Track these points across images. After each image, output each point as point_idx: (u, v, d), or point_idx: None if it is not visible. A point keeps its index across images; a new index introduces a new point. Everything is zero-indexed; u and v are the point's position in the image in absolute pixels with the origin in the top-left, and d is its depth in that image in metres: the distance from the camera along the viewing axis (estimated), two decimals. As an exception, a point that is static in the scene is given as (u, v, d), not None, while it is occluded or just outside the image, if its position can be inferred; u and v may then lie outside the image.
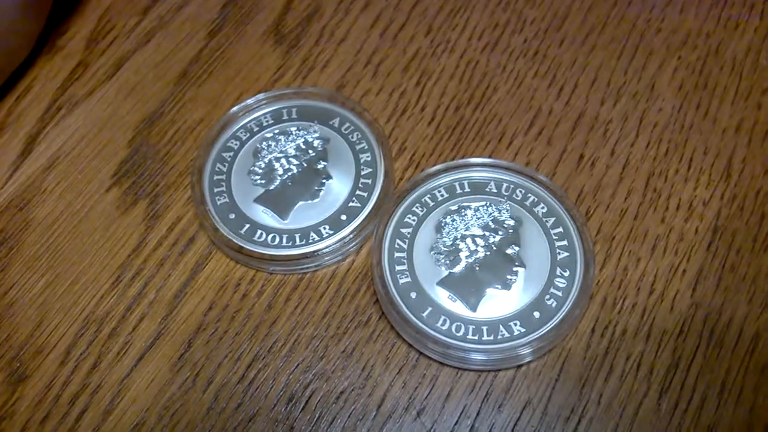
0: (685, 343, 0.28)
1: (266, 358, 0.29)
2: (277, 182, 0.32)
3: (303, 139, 0.33)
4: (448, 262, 0.30)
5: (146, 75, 0.36)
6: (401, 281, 0.29)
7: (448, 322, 0.28)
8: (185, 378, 0.29)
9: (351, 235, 0.30)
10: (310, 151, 0.32)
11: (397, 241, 0.30)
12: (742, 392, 0.28)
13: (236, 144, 0.33)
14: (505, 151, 0.33)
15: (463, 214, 0.30)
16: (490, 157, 0.32)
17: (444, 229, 0.30)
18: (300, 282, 0.30)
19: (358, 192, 0.31)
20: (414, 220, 0.31)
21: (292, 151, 0.32)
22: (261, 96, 0.34)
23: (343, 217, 0.31)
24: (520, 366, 0.28)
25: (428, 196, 0.31)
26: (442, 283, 0.29)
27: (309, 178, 0.32)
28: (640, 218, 0.31)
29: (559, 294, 0.29)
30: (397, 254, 0.30)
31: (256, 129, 0.33)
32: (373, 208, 0.31)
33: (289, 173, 0.32)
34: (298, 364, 0.29)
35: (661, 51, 0.35)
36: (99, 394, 0.28)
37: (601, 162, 0.32)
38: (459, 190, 0.31)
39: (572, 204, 0.30)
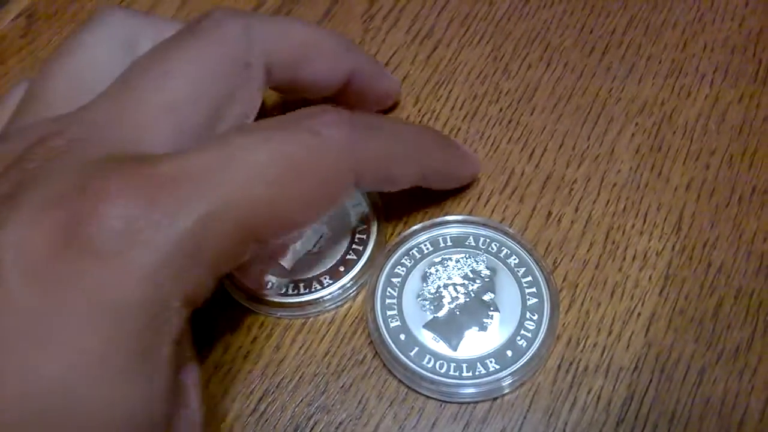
0: (639, 378, 0.33)
1: (275, 393, 0.33)
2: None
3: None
4: (432, 307, 0.34)
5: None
6: (392, 324, 0.34)
7: (432, 360, 0.33)
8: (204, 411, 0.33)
9: (349, 284, 0.35)
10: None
11: (388, 289, 0.35)
12: (689, 421, 0.32)
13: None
14: (482, 209, 0.37)
15: (445, 265, 0.35)
16: (468, 214, 0.37)
17: (429, 278, 0.35)
18: (304, 326, 0.35)
19: (354, 246, 0.36)
20: (403, 271, 0.35)
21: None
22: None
23: (341, 269, 0.35)
24: (495, 398, 0.32)
25: (415, 249, 0.35)
26: (428, 325, 0.34)
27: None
28: (601, 267, 0.35)
29: (529, 335, 0.33)
30: (388, 300, 0.34)
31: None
32: (367, 260, 0.35)
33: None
34: (302, 399, 0.33)
35: (621, 118, 0.40)
36: (130, 425, 0.33)
37: (567, 218, 0.37)
38: (442, 244, 0.35)
39: (540, 256, 0.35)
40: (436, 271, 0.35)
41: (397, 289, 0.35)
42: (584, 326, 0.34)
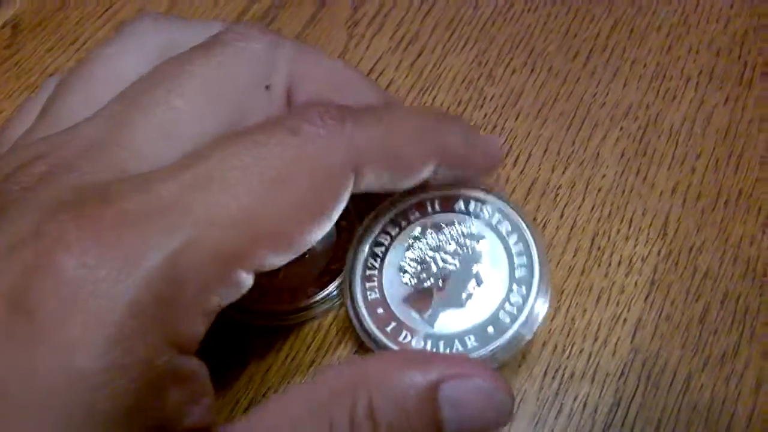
0: (626, 384, 0.32)
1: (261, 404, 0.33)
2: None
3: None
4: (414, 280, 0.31)
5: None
6: (370, 297, 0.31)
7: (408, 336, 0.30)
8: (189, 423, 0.33)
9: (334, 293, 0.35)
10: None
11: (370, 260, 0.32)
12: (675, 427, 0.31)
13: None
14: (468, 216, 0.37)
15: (431, 234, 0.32)
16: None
17: (413, 247, 0.32)
18: (289, 335, 0.35)
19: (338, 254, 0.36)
20: (387, 240, 0.32)
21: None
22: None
23: (326, 279, 0.35)
24: (481, 407, 0.32)
25: (401, 216, 0.32)
26: (407, 299, 0.31)
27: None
28: (586, 273, 0.35)
29: (514, 311, 0.30)
30: (368, 272, 0.32)
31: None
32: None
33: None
34: (287, 409, 0.33)
35: (606, 122, 0.39)
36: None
37: (552, 224, 0.37)
38: (429, 209, 0.32)
39: (535, 224, 0.33)
40: (421, 240, 0.32)
41: (378, 260, 0.32)
42: (570, 333, 0.34)
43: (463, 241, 0.32)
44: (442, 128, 0.28)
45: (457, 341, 0.30)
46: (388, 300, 0.31)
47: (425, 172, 0.27)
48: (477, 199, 0.32)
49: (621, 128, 0.39)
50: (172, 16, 0.31)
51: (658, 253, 0.35)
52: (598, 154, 0.38)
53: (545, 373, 0.33)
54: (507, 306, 0.30)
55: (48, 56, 0.45)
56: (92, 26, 0.46)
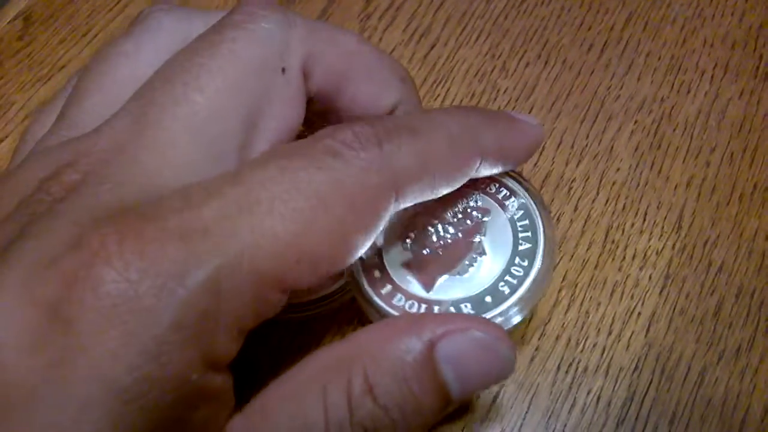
0: (640, 378, 0.32)
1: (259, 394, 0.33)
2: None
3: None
4: (415, 246, 0.30)
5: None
6: (367, 260, 0.30)
7: (403, 299, 0.29)
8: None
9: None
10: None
11: None
12: (690, 422, 0.31)
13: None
14: (481, 209, 0.37)
15: (435, 201, 0.30)
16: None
17: (416, 214, 0.31)
18: (303, 326, 0.35)
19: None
20: None
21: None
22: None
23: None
24: (494, 399, 0.32)
25: None
26: (406, 264, 0.30)
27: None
28: (600, 267, 0.35)
29: (514, 281, 0.29)
30: None
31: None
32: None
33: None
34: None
35: (620, 115, 0.39)
36: None
37: (566, 217, 0.36)
38: None
39: (542, 199, 0.31)
40: (424, 207, 0.30)
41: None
42: (584, 326, 0.34)
43: (467, 213, 0.31)
44: (480, 129, 0.27)
45: (452, 307, 0.29)
46: (386, 264, 0.30)
47: (464, 179, 0.27)
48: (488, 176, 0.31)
49: (635, 121, 0.39)
50: (186, 7, 0.30)
51: (673, 247, 0.35)
52: (612, 147, 0.38)
53: (558, 367, 0.33)
54: (507, 277, 0.29)
55: (60, 48, 0.45)
56: (104, 18, 0.46)
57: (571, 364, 0.33)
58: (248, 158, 0.25)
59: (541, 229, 0.30)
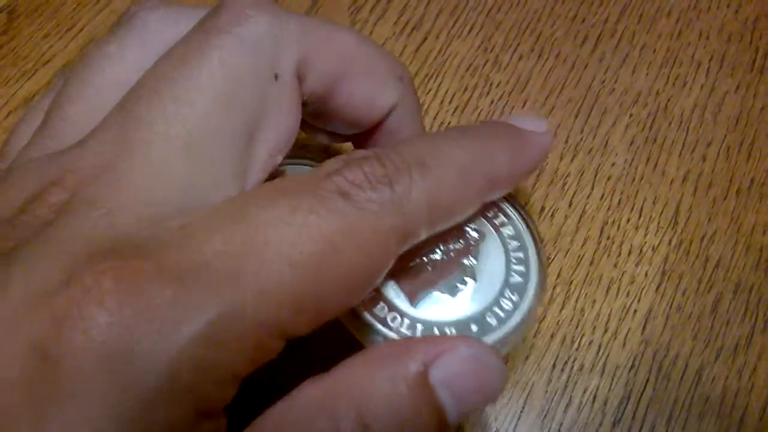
0: (636, 376, 0.32)
1: None
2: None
3: None
4: (402, 255, 0.27)
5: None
6: None
7: (386, 309, 0.28)
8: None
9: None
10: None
11: None
12: (687, 420, 0.31)
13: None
14: (474, 205, 0.36)
15: None
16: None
17: None
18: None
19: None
20: None
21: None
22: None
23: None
24: (488, 400, 0.32)
25: None
26: (393, 274, 0.28)
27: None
28: (596, 263, 0.34)
29: (502, 315, 0.28)
30: None
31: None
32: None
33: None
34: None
35: (615, 109, 0.39)
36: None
37: (560, 213, 0.36)
38: None
39: (538, 233, 0.30)
40: None
41: None
42: (579, 324, 0.33)
43: (462, 232, 0.30)
44: (490, 154, 0.26)
45: (436, 329, 0.28)
46: None
47: (475, 208, 0.26)
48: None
49: (630, 115, 0.38)
50: (173, 5, 0.28)
51: (669, 243, 0.35)
52: (607, 141, 0.38)
53: (554, 365, 0.32)
54: (496, 309, 0.28)
55: (44, 43, 0.44)
56: (89, 12, 0.45)
57: (566, 363, 0.32)
58: (248, 176, 0.24)
59: (535, 264, 0.29)
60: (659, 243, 0.35)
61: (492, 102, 0.39)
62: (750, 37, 0.41)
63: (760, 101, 0.39)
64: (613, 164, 0.37)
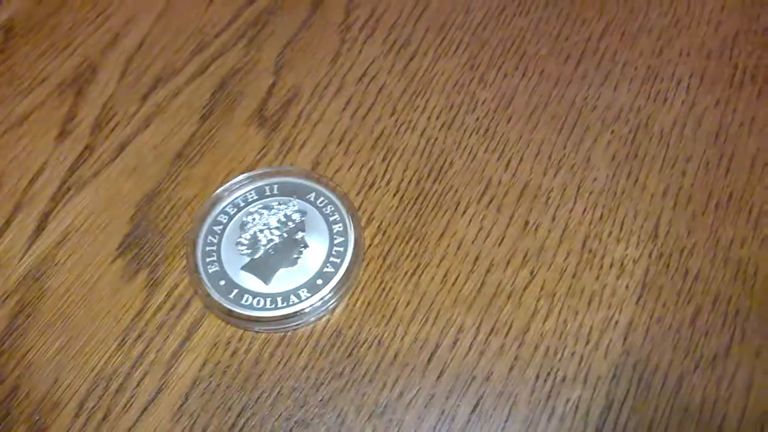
0: (618, 386, 0.33)
1: (253, 408, 0.33)
2: (261, 252, 0.36)
3: (283, 213, 0.37)
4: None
5: (146, 157, 0.40)
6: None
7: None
8: (184, 427, 0.33)
9: (327, 296, 0.35)
10: (290, 223, 0.37)
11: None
12: (668, 429, 0.32)
13: (225, 218, 0.37)
14: (460, 219, 0.37)
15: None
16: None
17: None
18: (282, 339, 0.35)
19: (332, 258, 0.36)
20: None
21: (274, 224, 0.37)
22: (245, 175, 0.38)
23: (319, 281, 0.35)
24: (474, 409, 0.32)
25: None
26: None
27: (289, 248, 0.36)
28: (578, 276, 0.35)
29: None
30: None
31: (242, 204, 0.38)
32: (345, 272, 0.35)
33: (272, 243, 0.36)
34: (281, 413, 0.33)
35: (597, 126, 0.40)
36: (108, 444, 0.33)
37: (544, 227, 0.37)
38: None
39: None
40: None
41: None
42: (562, 335, 0.34)
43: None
44: None
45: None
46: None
47: None
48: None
49: (612, 131, 0.39)
50: None
51: (650, 256, 0.36)
52: (589, 157, 0.39)
53: (537, 376, 0.33)
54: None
55: (40, 61, 0.45)
56: (85, 31, 0.46)
57: (549, 373, 0.33)
58: None
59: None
60: (640, 256, 0.36)
61: (478, 119, 0.40)
62: (729, 54, 0.42)
63: (739, 116, 0.40)
64: (595, 179, 0.38)
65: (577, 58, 0.42)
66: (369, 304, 0.35)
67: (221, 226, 0.37)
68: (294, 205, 0.37)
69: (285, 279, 0.36)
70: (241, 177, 0.38)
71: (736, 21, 0.43)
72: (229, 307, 0.35)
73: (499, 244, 0.36)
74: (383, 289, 0.36)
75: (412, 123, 0.40)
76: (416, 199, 0.38)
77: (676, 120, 0.40)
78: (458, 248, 0.36)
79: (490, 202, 0.37)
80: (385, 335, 0.34)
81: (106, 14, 0.47)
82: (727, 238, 0.36)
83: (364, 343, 0.34)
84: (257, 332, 0.35)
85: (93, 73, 0.44)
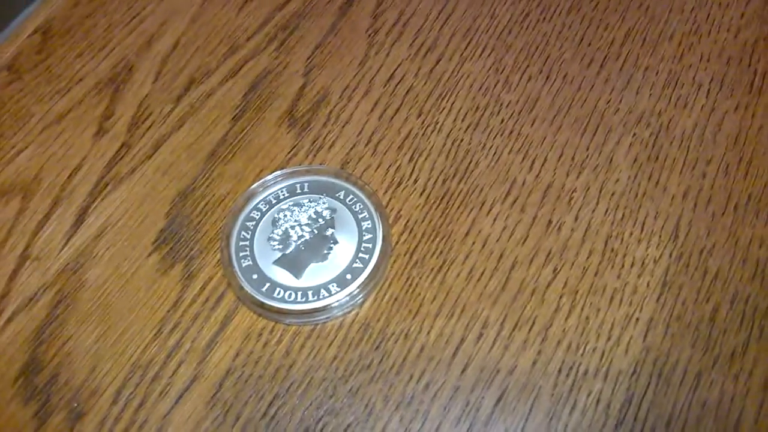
0: (638, 381, 0.34)
1: (284, 397, 0.34)
2: (292, 247, 0.37)
3: (314, 210, 0.38)
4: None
5: (180, 155, 0.42)
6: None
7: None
8: (217, 415, 0.34)
9: (356, 291, 0.36)
10: (320, 220, 0.38)
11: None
12: (686, 423, 0.33)
13: (258, 214, 0.39)
14: (485, 218, 0.38)
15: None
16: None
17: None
18: (312, 332, 0.36)
19: (360, 254, 0.37)
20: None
21: (304, 220, 0.38)
22: (278, 173, 0.40)
23: (348, 276, 0.36)
24: (498, 401, 0.33)
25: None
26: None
27: (319, 243, 0.38)
28: (600, 274, 0.36)
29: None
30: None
31: (274, 201, 0.39)
32: (373, 268, 0.36)
33: (302, 239, 0.38)
34: (311, 402, 0.34)
35: (619, 128, 0.41)
36: (145, 428, 0.34)
37: (567, 226, 0.38)
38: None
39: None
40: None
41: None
42: (584, 332, 0.35)
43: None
44: None
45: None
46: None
47: None
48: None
49: (634, 134, 0.40)
50: None
51: (670, 255, 0.37)
52: (611, 159, 0.40)
53: (559, 370, 0.34)
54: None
55: (77, 62, 0.46)
56: (120, 33, 0.47)
57: (571, 368, 0.34)
58: None
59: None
60: (660, 255, 0.37)
61: (502, 121, 0.41)
62: (749, 60, 0.43)
63: (758, 121, 0.41)
64: (617, 180, 0.39)
65: (600, 62, 0.43)
66: (396, 299, 0.36)
67: (254, 222, 0.38)
68: (324, 203, 0.39)
69: (315, 274, 0.37)
70: (273, 175, 0.40)
71: (756, 28, 0.44)
72: (262, 299, 0.36)
73: (523, 243, 0.37)
74: (410, 285, 0.37)
75: (439, 124, 0.41)
76: (442, 198, 0.39)
77: (696, 124, 0.41)
78: (483, 246, 0.37)
79: (515, 201, 0.39)
80: (412, 329, 0.36)
81: (141, 17, 0.48)
82: (745, 238, 0.37)
83: (391, 336, 0.35)
84: (288, 324, 0.36)
85: (129, 74, 0.45)
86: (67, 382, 0.35)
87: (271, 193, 0.39)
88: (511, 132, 0.41)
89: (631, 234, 0.37)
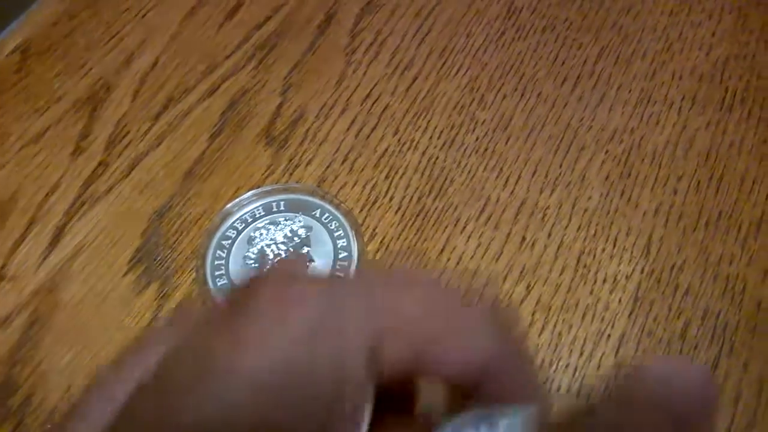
0: (610, 397, 0.34)
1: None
2: (269, 266, 0.38)
3: (289, 229, 0.39)
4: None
5: (157, 173, 0.42)
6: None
7: None
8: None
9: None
10: (296, 239, 0.38)
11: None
12: (658, 438, 0.33)
13: (233, 233, 0.39)
14: (459, 235, 0.38)
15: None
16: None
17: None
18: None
19: (336, 272, 0.37)
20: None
21: (280, 239, 0.38)
22: (254, 191, 0.40)
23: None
24: (471, 419, 0.34)
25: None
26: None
27: (295, 262, 0.38)
28: (573, 291, 0.37)
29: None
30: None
31: (250, 220, 0.39)
32: (348, 286, 0.37)
33: (278, 258, 0.38)
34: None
35: (592, 146, 0.41)
36: (119, 449, 0.34)
37: (540, 243, 0.38)
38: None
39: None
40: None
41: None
42: (557, 348, 0.35)
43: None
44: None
45: None
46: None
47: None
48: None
49: (606, 151, 0.41)
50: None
51: (642, 271, 0.37)
52: (584, 176, 0.40)
53: (533, 386, 0.34)
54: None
55: (56, 81, 0.46)
56: (99, 52, 0.47)
57: (544, 383, 0.34)
58: None
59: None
60: (632, 271, 0.37)
61: (477, 138, 0.42)
62: (720, 77, 0.44)
63: (729, 137, 0.41)
64: (589, 197, 0.39)
65: (574, 80, 0.44)
66: (371, 316, 0.37)
67: (230, 241, 0.39)
68: (300, 221, 0.39)
69: None
70: (249, 193, 0.40)
71: (727, 46, 0.45)
72: None
73: (497, 260, 0.38)
74: (385, 302, 0.37)
75: (414, 142, 0.42)
76: (417, 215, 0.39)
77: (668, 141, 0.41)
78: (457, 263, 0.38)
79: (489, 218, 0.39)
80: (387, 346, 0.36)
81: (120, 35, 0.48)
82: (716, 254, 0.37)
83: (366, 354, 0.36)
84: (263, 343, 0.36)
85: (107, 92, 0.45)
86: (42, 402, 0.35)
87: (247, 212, 0.40)
88: (485, 149, 0.41)
89: (604, 250, 0.38)
